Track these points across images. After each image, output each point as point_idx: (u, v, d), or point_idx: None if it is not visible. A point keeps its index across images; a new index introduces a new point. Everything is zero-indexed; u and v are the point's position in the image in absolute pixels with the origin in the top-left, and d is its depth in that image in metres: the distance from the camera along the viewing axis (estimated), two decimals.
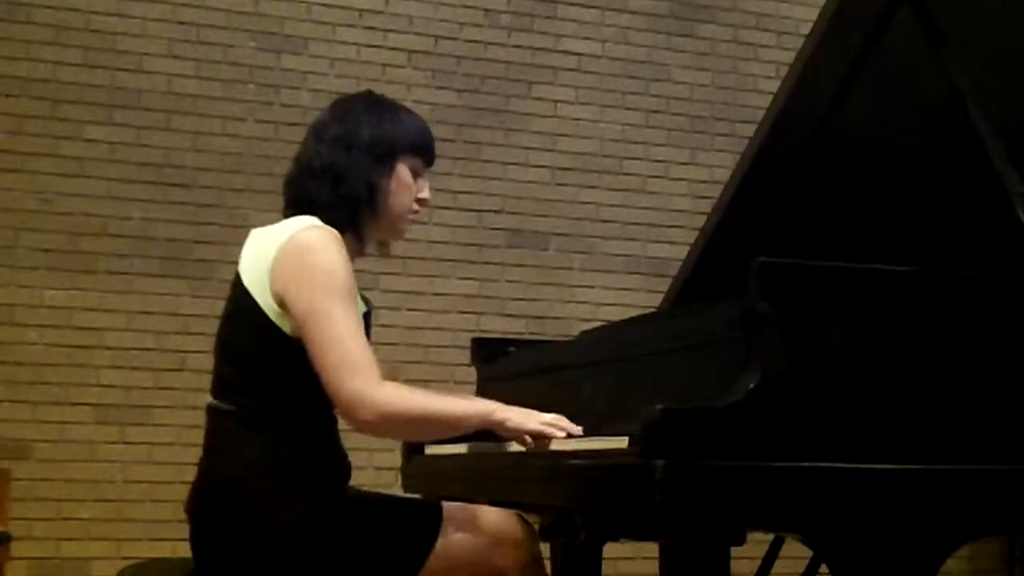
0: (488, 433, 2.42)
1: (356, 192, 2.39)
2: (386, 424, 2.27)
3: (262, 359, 2.32)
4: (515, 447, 2.40)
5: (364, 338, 2.28)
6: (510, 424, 2.30)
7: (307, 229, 2.33)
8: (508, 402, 2.42)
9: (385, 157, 2.42)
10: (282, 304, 2.28)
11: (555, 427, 2.29)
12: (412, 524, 2.33)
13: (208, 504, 2.31)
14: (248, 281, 2.34)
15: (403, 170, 2.45)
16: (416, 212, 2.50)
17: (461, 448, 2.73)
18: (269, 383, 2.31)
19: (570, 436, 2.30)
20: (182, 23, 4.94)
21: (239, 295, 2.35)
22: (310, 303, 2.25)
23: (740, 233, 2.92)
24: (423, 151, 2.50)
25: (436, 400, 2.32)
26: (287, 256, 2.29)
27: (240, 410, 2.31)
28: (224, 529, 2.28)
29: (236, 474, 2.28)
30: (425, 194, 2.50)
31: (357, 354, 2.23)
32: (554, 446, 2.32)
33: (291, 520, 2.24)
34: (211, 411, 2.37)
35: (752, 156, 2.91)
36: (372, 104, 2.48)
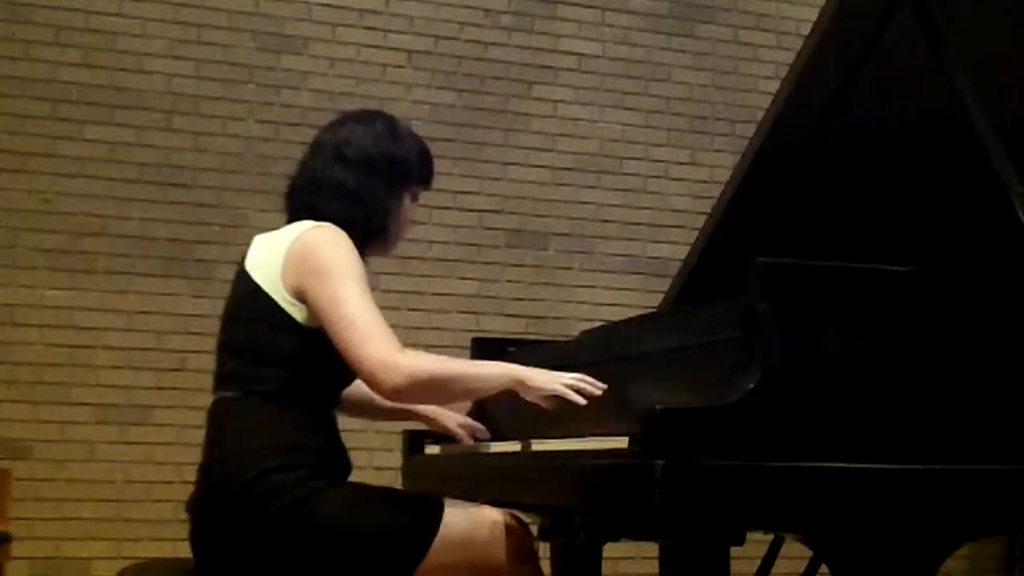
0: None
1: (371, 215, 2.51)
2: (413, 388, 2.31)
3: (275, 349, 2.39)
4: (514, 447, 2.41)
5: (380, 313, 2.35)
6: (532, 383, 2.35)
7: (316, 227, 2.43)
8: (507, 402, 2.47)
9: (396, 185, 2.55)
10: (296, 295, 2.38)
11: (577, 390, 2.32)
12: (415, 515, 2.35)
13: (217, 491, 2.34)
14: (260, 280, 2.42)
15: (407, 197, 2.58)
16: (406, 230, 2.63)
17: (460, 448, 2.74)
18: (281, 371, 2.38)
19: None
20: (182, 23, 4.94)
21: (250, 294, 2.43)
22: (326, 291, 2.34)
23: (740, 233, 2.92)
24: (427, 180, 2.64)
25: (459, 362, 2.44)
26: (299, 251, 2.39)
27: (253, 398, 2.38)
28: (230, 514, 2.30)
29: (246, 457, 2.32)
30: (412, 215, 2.63)
31: (375, 326, 2.32)
32: (553, 447, 2.32)
33: (296, 501, 2.28)
34: (218, 404, 2.43)
35: (752, 156, 2.91)
36: (386, 129, 2.57)
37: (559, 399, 2.33)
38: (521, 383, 2.36)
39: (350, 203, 2.49)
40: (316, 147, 2.57)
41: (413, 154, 2.57)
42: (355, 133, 2.56)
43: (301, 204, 2.52)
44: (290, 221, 2.52)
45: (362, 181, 2.50)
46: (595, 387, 2.33)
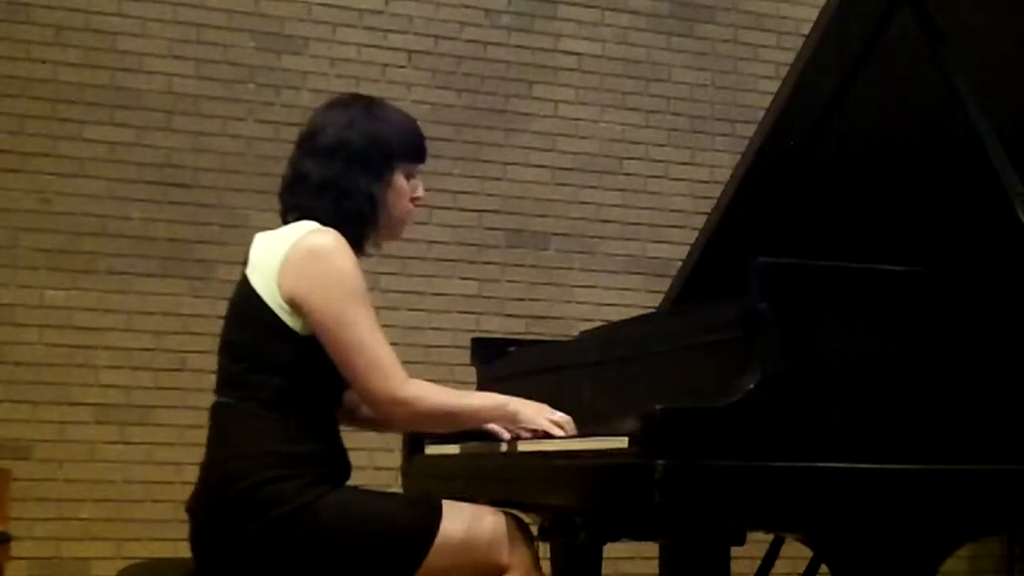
0: (484, 433, 2.49)
1: (359, 208, 2.42)
2: (417, 420, 2.43)
3: (273, 356, 2.35)
4: (520, 447, 2.41)
5: (384, 338, 2.35)
6: (521, 416, 2.42)
7: (315, 232, 2.37)
8: None
9: (383, 169, 2.45)
10: (292, 303, 2.33)
11: (561, 428, 2.40)
12: (413, 519, 2.34)
13: (215, 494, 2.32)
14: (256, 283, 2.38)
15: (399, 178, 2.48)
16: (411, 212, 2.53)
17: (460, 448, 2.73)
18: (278, 378, 2.35)
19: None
20: (182, 23, 4.94)
21: (247, 297, 2.39)
22: (332, 308, 2.31)
23: (740, 233, 2.93)
24: (416, 154, 2.52)
25: (458, 395, 2.47)
26: (298, 259, 2.33)
27: (249, 403, 2.35)
28: (228, 520, 2.29)
29: (244, 462, 2.30)
30: (419, 193, 2.53)
31: (382, 356, 2.33)
32: (553, 447, 2.33)
33: (295, 509, 2.26)
34: (218, 407, 2.41)
35: (752, 156, 2.91)
36: (363, 110, 2.48)
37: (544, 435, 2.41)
38: (510, 417, 2.43)
39: (334, 197, 2.40)
40: (296, 141, 2.50)
41: (392, 130, 2.46)
42: (329, 120, 2.47)
43: (289, 203, 2.46)
44: (285, 220, 2.46)
45: (340, 170, 2.41)
46: (573, 430, 2.42)
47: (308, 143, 2.46)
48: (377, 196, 2.44)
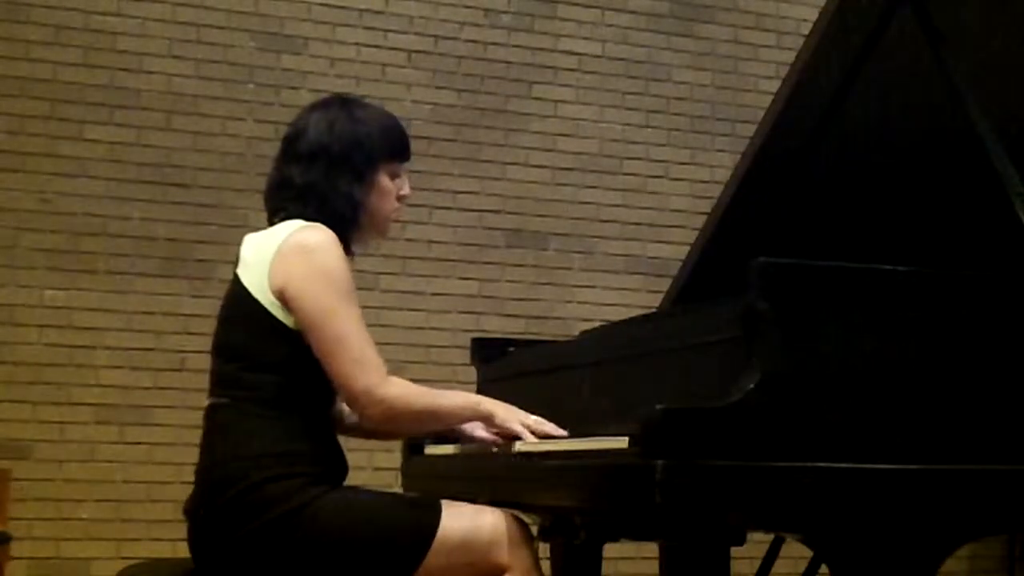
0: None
1: (341, 211, 2.42)
2: (393, 418, 2.38)
3: (266, 353, 2.36)
4: (518, 447, 2.42)
5: (369, 335, 2.34)
6: (495, 419, 2.44)
7: (305, 228, 2.37)
8: (507, 402, 2.50)
9: (365, 172, 2.44)
10: (281, 298, 2.33)
11: (534, 431, 2.40)
12: (412, 519, 2.34)
13: (212, 495, 2.32)
14: (247, 281, 2.38)
15: (383, 178, 2.48)
16: (398, 210, 2.53)
17: (460, 448, 2.73)
18: (273, 376, 2.35)
19: (547, 438, 2.39)
20: (182, 23, 4.94)
21: (239, 295, 2.39)
22: (317, 303, 2.31)
23: (740, 233, 2.93)
24: (399, 152, 2.51)
25: (435, 395, 2.44)
26: (288, 254, 2.34)
27: (245, 403, 2.35)
28: (227, 521, 2.29)
29: (242, 463, 2.30)
30: (405, 191, 2.53)
31: (365, 352, 2.32)
32: (553, 447, 2.33)
33: (294, 509, 2.26)
34: (213, 408, 2.41)
35: (752, 156, 2.91)
36: (343, 112, 2.47)
37: (515, 437, 2.41)
38: (486, 418, 2.45)
39: (317, 201, 2.41)
40: (281, 143, 2.51)
41: (373, 131, 2.45)
42: (310, 123, 2.47)
43: (275, 206, 2.47)
44: (271, 222, 2.46)
45: (321, 175, 2.41)
46: (555, 431, 2.41)
47: (291, 147, 2.47)
48: (359, 198, 2.43)
